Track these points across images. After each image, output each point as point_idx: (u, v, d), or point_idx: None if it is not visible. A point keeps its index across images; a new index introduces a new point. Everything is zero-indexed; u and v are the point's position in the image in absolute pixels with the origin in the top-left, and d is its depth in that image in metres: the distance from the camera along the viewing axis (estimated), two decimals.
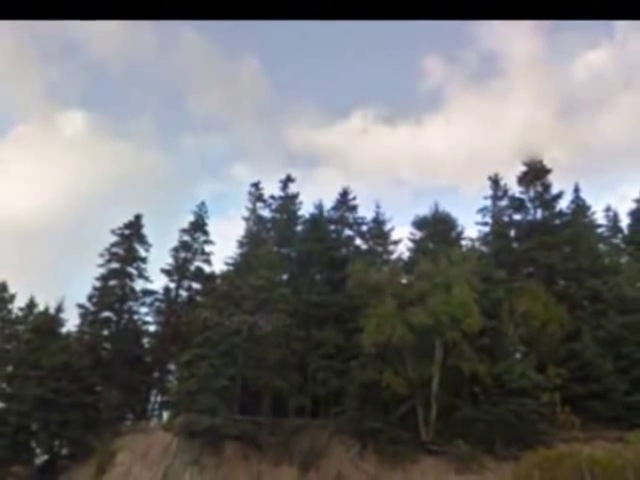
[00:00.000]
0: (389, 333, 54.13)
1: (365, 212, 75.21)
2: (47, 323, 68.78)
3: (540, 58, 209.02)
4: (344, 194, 74.28)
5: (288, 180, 76.63)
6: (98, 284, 71.70)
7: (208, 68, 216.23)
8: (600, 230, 79.88)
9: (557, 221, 69.74)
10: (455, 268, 57.67)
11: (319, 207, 74.33)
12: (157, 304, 74.81)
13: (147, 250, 74.80)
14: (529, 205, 70.24)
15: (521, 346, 58.08)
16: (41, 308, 74.53)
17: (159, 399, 74.36)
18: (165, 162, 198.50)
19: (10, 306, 79.67)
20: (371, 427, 54.88)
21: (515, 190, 71.41)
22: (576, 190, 76.24)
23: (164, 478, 56.23)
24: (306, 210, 75.44)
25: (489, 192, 72.77)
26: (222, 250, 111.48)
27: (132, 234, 74.33)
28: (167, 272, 75.24)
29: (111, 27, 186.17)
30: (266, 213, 77.02)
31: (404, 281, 63.08)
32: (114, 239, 73.45)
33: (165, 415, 70.97)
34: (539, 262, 65.93)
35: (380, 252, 73.10)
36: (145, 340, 75.02)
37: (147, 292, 74.33)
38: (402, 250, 72.91)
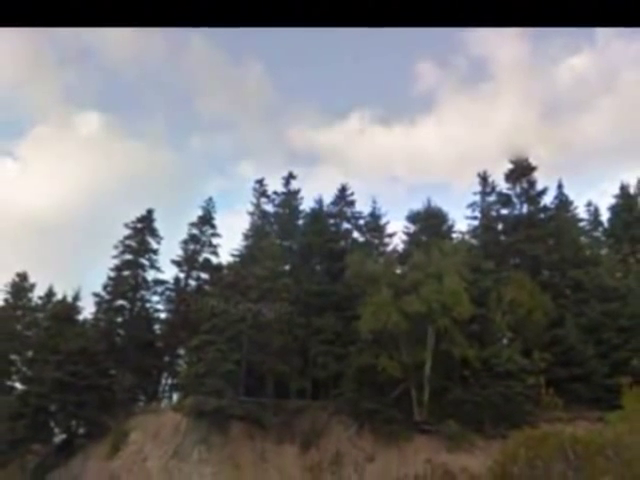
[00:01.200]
0: (385, 320, 54.15)
1: (362, 207, 75.29)
2: (65, 311, 68.92)
3: (526, 63, 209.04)
4: (342, 190, 74.16)
5: (290, 177, 76.50)
6: (112, 274, 71.83)
7: (215, 72, 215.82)
8: (582, 224, 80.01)
9: (542, 215, 69.69)
10: (446, 259, 57.66)
11: (319, 202, 74.33)
12: (168, 293, 74.95)
13: (158, 242, 74.90)
14: (515, 200, 70.19)
15: (508, 332, 58.10)
16: (59, 297, 75.06)
17: (169, 382, 74.64)
18: (175, 160, 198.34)
19: (30, 295, 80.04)
20: (368, 408, 54.93)
21: (502, 186, 71.43)
22: (559, 186, 76.33)
23: (174, 456, 56.45)
24: (307, 205, 75.40)
25: (478, 188, 72.75)
26: (228, 242, 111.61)
27: (144, 228, 74.36)
28: (177, 263, 75.35)
29: (125, 34, 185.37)
30: (270, 208, 76.96)
31: (399, 271, 63.09)
32: (127, 232, 73.54)
33: (175, 397, 71.36)
34: (525, 254, 65.98)
35: (376, 244, 73.04)
36: (156, 327, 75.21)
37: (158, 282, 74.47)
38: (397, 242, 73.06)
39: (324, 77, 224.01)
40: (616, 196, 79.34)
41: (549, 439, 40.61)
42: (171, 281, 75.27)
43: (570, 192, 77.79)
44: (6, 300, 78.05)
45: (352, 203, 74.04)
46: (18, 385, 71.14)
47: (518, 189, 70.17)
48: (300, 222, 74.58)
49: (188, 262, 75.58)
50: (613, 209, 79.08)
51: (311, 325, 62.09)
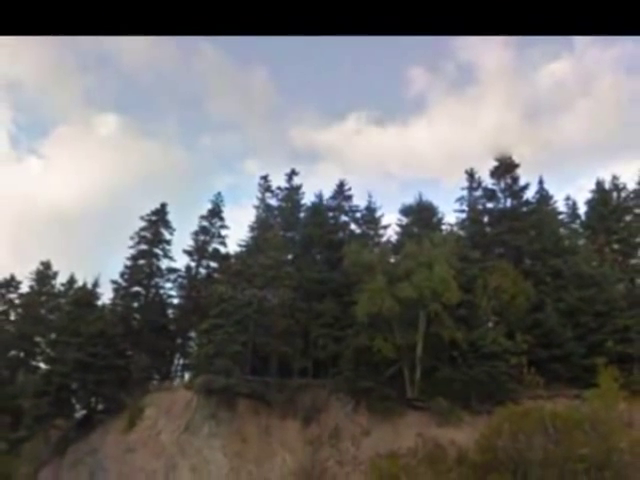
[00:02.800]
0: (379, 305, 54.08)
1: (359, 201, 74.68)
2: (85, 297, 69.11)
3: (510, 68, 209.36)
4: (341, 186, 73.94)
5: (292, 173, 76.30)
6: (129, 263, 71.84)
7: (223, 77, 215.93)
8: (561, 217, 79.65)
9: (524, 209, 69.43)
10: (436, 249, 57.58)
11: (319, 197, 73.97)
12: (180, 280, 74.92)
13: (171, 234, 74.85)
14: (500, 195, 69.91)
15: (493, 316, 58.04)
16: (80, 284, 75.31)
17: (181, 362, 74.68)
18: (186, 158, 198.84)
19: (53, 282, 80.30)
20: (364, 386, 54.93)
21: (488, 182, 70.95)
22: (540, 182, 75.96)
23: (186, 430, 56.63)
24: (308, 199, 75.02)
25: (465, 184, 72.44)
26: (236, 234, 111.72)
27: (158, 220, 74.30)
28: (188, 253, 75.29)
29: (140, 42, 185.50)
30: (273, 202, 76.72)
31: (392, 260, 62.91)
32: (143, 224, 73.50)
33: (186, 376, 71.29)
34: (508, 244, 65.86)
35: (372, 236, 72.87)
36: (169, 311, 75.15)
37: (171, 270, 74.45)
38: (391, 234, 72.65)
39: (324, 81, 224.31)
40: (592, 191, 79.00)
41: (531, 414, 40.86)
42: (183, 269, 75.25)
43: (550, 187, 77.64)
44: (31, 287, 78.37)
45: (349, 197, 73.80)
46: (42, 365, 71.55)
47: (502, 184, 69.90)
48: (302, 215, 74.35)
49: (198, 252, 75.54)
50: (590, 203, 78.77)
51: (312, 310, 62.07)
